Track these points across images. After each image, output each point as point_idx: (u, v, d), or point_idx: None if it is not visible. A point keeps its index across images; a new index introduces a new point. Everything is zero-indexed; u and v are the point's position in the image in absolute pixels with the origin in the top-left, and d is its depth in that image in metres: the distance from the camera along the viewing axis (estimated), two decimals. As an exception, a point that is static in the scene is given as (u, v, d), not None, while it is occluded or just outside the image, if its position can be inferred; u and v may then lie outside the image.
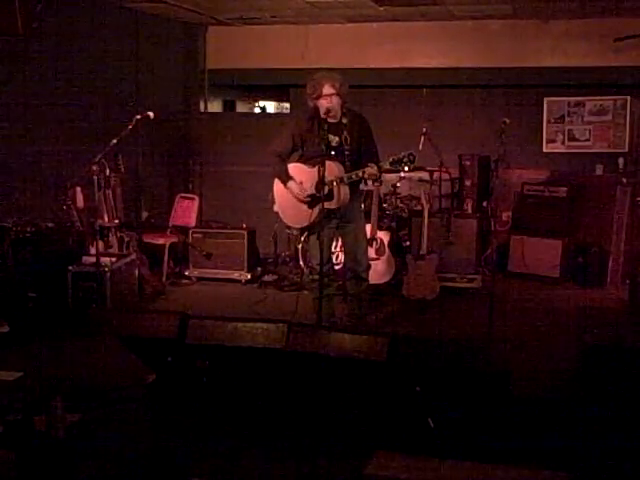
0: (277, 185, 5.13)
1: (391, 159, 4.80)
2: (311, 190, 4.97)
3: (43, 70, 6.24)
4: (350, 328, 4.98)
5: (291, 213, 5.14)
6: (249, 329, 3.81)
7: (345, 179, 4.85)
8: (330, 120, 4.88)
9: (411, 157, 4.76)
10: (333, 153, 4.89)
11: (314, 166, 4.88)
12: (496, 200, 6.99)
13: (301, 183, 4.99)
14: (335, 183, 4.84)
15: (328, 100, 4.85)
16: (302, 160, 5.06)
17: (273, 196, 5.23)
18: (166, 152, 8.19)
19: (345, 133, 4.92)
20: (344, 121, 4.95)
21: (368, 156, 4.93)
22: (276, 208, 5.31)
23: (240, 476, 3.26)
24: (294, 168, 5.05)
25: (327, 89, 4.84)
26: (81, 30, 6.67)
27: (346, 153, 4.92)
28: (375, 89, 8.11)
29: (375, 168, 4.80)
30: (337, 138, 4.92)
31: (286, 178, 5.02)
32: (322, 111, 4.84)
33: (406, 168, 4.90)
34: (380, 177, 5.29)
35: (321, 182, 4.64)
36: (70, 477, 3.01)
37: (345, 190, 4.91)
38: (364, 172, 4.83)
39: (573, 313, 5.93)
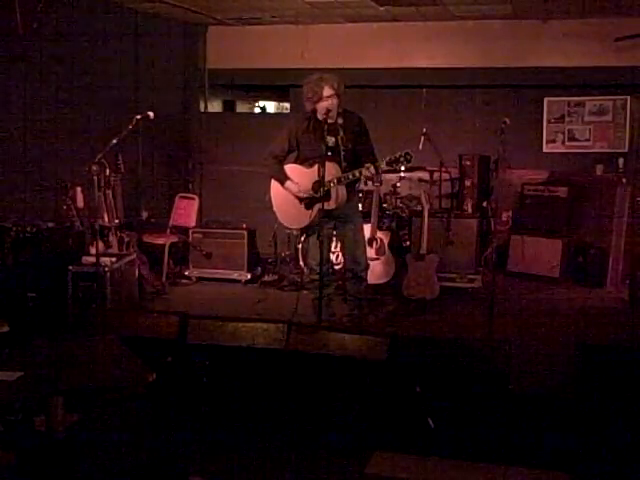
0: (274, 186, 5.13)
1: (387, 159, 4.81)
2: (309, 191, 4.97)
3: (43, 70, 6.24)
4: (350, 328, 4.99)
5: (289, 214, 5.14)
6: (249, 329, 3.82)
7: (342, 179, 4.86)
8: (327, 121, 4.89)
9: (407, 156, 4.77)
10: (329, 153, 4.89)
11: (311, 167, 4.89)
12: (496, 200, 7.00)
13: (298, 184, 5.00)
14: (332, 183, 4.84)
15: (328, 102, 4.86)
16: (298, 161, 5.07)
17: (270, 197, 5.23)
18: (166, 152, 8.19)
19: (341, 133, 4.93)
20: (340, 121, 4.96)
21: (365, 156, 4.94)
22: (275, 210, 5.32)
23: (240, 475, 3.26)
24: (291, 169, 5.06)
25: (327, 91, 4.86)
26: (81, 30, 6.67)
27: (342, 153, 4.92)
28: (375, 89, 8.11)
29: (372, 168, 4.81)
30: (333, 139, 4.93)
31: (284, 178, 5.03)
32: (321, 112, 4.85)
33: (402, 167, 4.91)
34: (379, 177, 5.29)
35: (320, 182, 4.66)
36: (70, 477, 3.01)
37: (342, 190, 4.93)
38: (361, 172, 4.84)
39: (573, 313, 5.94)
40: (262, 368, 3.74)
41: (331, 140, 4.92)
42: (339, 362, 3.62)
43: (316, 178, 4.80)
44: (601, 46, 7.39)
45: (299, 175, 4.99)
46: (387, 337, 3.64)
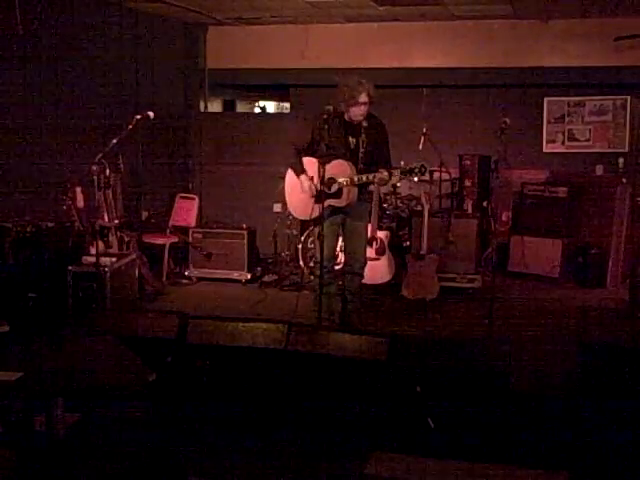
0: (290, 175, 5.21)
1: (402, 169, 4.96)
2: (319, 187, 5.01)
3: (43, 70, 6.23)
4: (350, 328, 4.99)
5: (298, 205, 5.21)
6: (249, 329, 3.82)
7: (355, 180, 4.92)
8: (351, 122, 4.96)
9: (422, 169, 4.89)
10: (348, 154, 4.98)
11: (327, 163, 4.94)
12: (496, 200, 6.99)
13: (312, 178, 5.05)
14: (345, 183, 4.90)
15: (361, 108, 4.90)
16: (317, 155, 5.11)
17: (284, 186, 5.28)
18: (166, 152, 8.19)
19: (363, 136, 4.99)
20: (364, 124, 5.00)
21: (381, 161, 5.03)
22: (286, 197, 5.34)
23: (240, 476, 3.26)
24: (308, 162, 5.12)
25: (363, 97, 4.89)
26: (81, 30, 6.67)
27: (360, 155, 4.98)
28: (375, 89, 8.09)
29: (385, 174, 4.91)
30: (354, 140, 5.01)
31: (300, 170, 5.09)
32: (351, 116, 4.92)
33: (415, 179, 4.99)
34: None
35: (330, 179, 4.80)
36: (70, 477, 3.01)
37: (354, 190, 5.01)
38: (375, 176, 4.92)
39: (573, 313, 5.93)
40: (262, 368, 3.74)
41: (352, 141, 5.00)
42: (339, 362, 3.62)
43: (330, 175, 4.85)
44: (601, 46, 7.39)
45: (314, 169, 5.04)
46: (387, 337, 3.65)
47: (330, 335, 3.73)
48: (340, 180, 4.90)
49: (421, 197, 6.41)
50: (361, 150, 4.99)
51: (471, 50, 7.79)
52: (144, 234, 6.75)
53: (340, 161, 4.89)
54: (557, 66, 7.60)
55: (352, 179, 4.93)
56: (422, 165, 4.87)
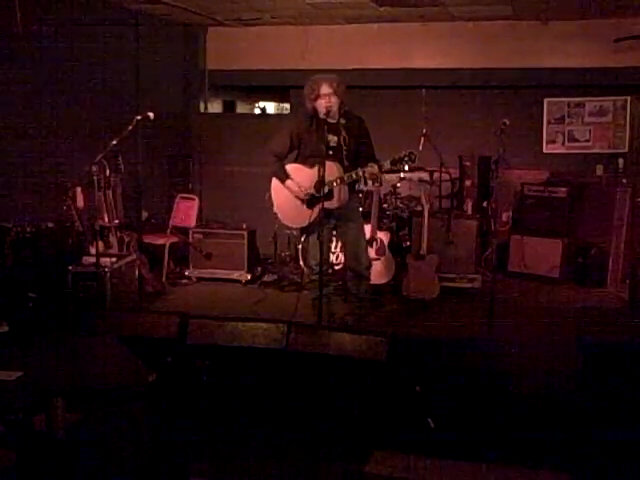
0: (275, 185, 5.14)
1: (391, 159, 4.83)
2: (311, 190, 4.98)
3: (43, 70, 6.24)
4: (350, 328, 4.99)
5: (290, 213, 5.15)
6: (249, 329, 3.83)
7: (345, 179, 4.88)
8: (329, 120, 4.90)
9: (412, 156, 4.79)
10: (331, 153, 4.91)
11: (313, 166, 4.90)
12: (496, 200, 6.99)
13: (299, 184, 5.00)
14: (335, 183, 4.86)
15: (327, 100, 4.88)
16: (299, 160, 5.08)
17: (270, 196, 5.23)
18: (166, 152, 8.19)
19: (343, 133, 4.95)
20: (342, 122, 4.98)
21: (366, 157, 4.96)
22: (276, 209, 5.32)
23: (240, 476, 3.26)
24: (292, 168, 5.07)
25: (325, 89, 4.88)
26: (81, 30, 6.67)
27: (344, 153, 4.95)
28: (375, 89, 8.11)
29: (375, 167, 4.84)
30: (335, 138, 4.96)
31: (284, 177, 5.04)
32: (321, 112, 4.87)
33: (406, 167, 4.93)
34: (380, 177, 5.31)
35: (321, 182, 4.66)
36: (70, 477, 3.01)
37: (344, 190, 4.96)
38: (364, 171, 4.86)
39: (573, 313, 5.94)
40: (262, 368, 3.74)
41: (333, 139, 4.95)
42: (339, 362, 3.62)
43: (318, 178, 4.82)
44: (601, 47, 7.39)
45: (301, 175, 5.01)
46: (387, 337, 3.65)
47: (330, 335, 3.73)
48: (330, 179, 4.81)
49: (421, 197, 6.41)
50: (344, 148, 4.94)
51: (471, 51, 7.79)
52: (144, 234, 6.75)
53: (327, 162, 4.77)
54: (557, 67, 7.60)
55: (342, 178, 4.88)
56: (410, 152, 4.78)
